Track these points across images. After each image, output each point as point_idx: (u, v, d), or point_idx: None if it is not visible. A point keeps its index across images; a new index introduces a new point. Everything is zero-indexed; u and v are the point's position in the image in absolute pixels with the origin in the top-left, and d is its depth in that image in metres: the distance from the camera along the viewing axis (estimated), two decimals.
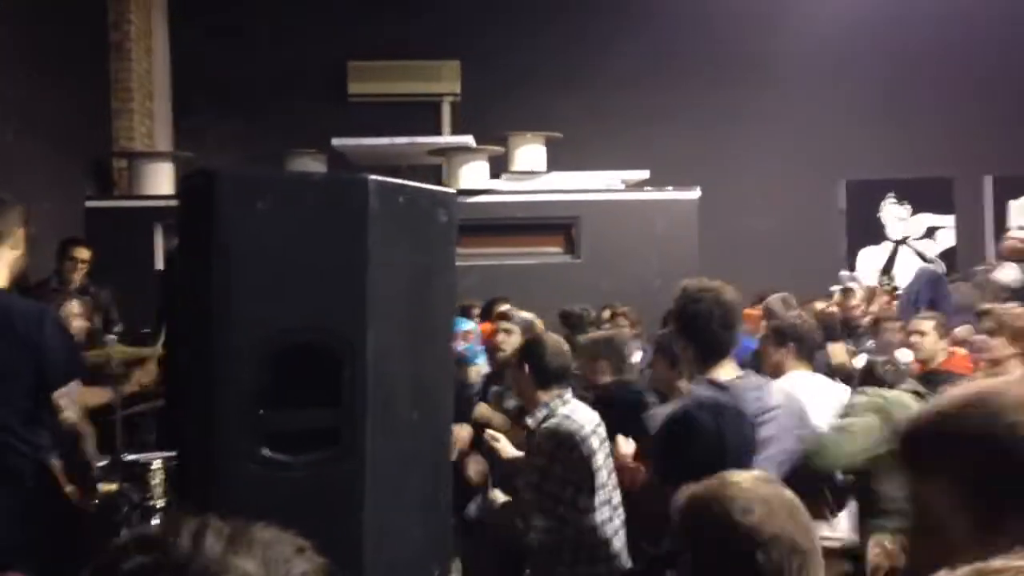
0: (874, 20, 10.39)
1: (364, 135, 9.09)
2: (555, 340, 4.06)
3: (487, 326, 6.24)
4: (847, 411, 3.69)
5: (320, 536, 1.01)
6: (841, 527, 3.67)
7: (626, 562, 3.81)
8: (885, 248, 10.89)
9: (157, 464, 4.38)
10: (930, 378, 4.96)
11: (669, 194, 8.95)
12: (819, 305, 7.37)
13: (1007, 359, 4.44)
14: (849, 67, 10.47)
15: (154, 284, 7.89)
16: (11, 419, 3.32)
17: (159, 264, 8.15)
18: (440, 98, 10.50)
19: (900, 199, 10.91)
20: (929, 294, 6.54)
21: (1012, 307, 4.77)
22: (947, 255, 10.67)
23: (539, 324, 5.94)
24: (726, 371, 3.18)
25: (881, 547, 3.38)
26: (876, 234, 10.92)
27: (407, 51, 10.22)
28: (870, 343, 6.45)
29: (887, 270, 10.22)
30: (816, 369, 4.52)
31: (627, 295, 7.41)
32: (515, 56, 10.16)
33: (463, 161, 8.89)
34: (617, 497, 3.88)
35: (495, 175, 9.07)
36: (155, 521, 4.24)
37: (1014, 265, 6.59)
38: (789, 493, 1.87)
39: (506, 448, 4.24)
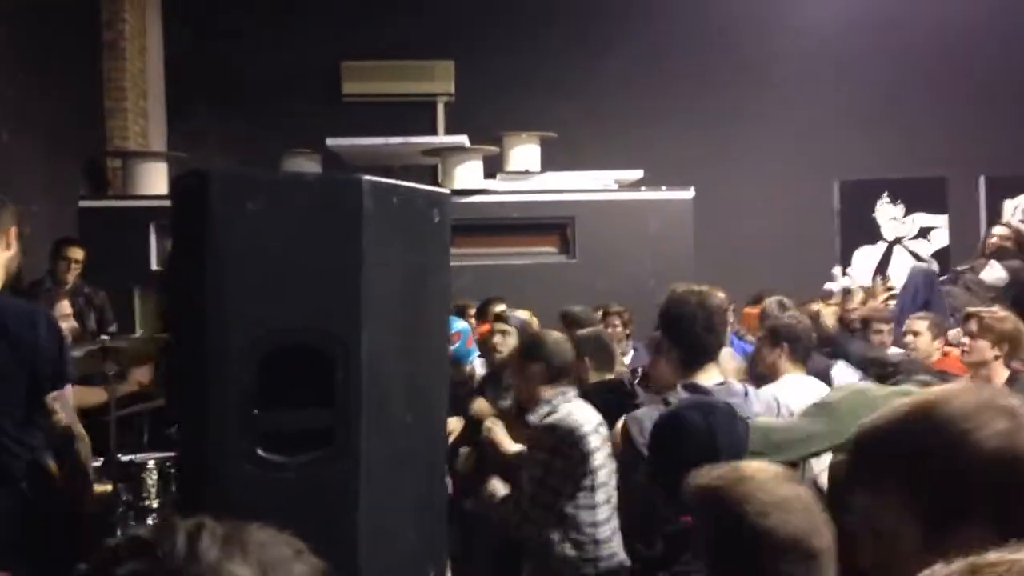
0: (868, 22, 10.41)
1: (359, 135, 9.08)
2: (560, 337, 4.11)
3: (486, 327, 6.25)
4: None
5: (314, 537, 1.01)
6: None
7: (625, 561, 3.82)
8: (880, 248, 10.90)
9: (152, 464, 4.38)
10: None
11: (663, 194, 8.96)
12: (815, 307, 7.37)
13: (990, 361, 4.47)
14: (843, 69, 10.48)
15: (149, 284, 7.90)
16: (4, 420, 3.31)
17: (153, 264, 8.14)
18: (434, 98, 10.49)
19: (893, 199, 10.92)
20: (926, 294, 6.55)
21: (995, 310, 4.79)
22: (941, 255, 10.68)
23: (535, 323, 5.95)
24: (709, 375, 3.21)
25: None
26: (871, 234, 10.93)
27: (401, 51, 10.21)
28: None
29: (881, 270, 10.22)
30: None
31: (622, 295, 7.41)
32: (509, 56, 10.15)
33: (458, 161, 8.89)
34: (616, 497, 3.89)
35: (490, 175, 9.07)
36: (150, 521, 4.24)
37: (996, 264, 6.60)
38: (805, 491, 1.86)
39: (505, 439, 4.27)
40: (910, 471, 1.42)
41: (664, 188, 8.99)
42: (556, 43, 10.28)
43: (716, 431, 2.46)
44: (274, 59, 9.92)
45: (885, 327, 6.28)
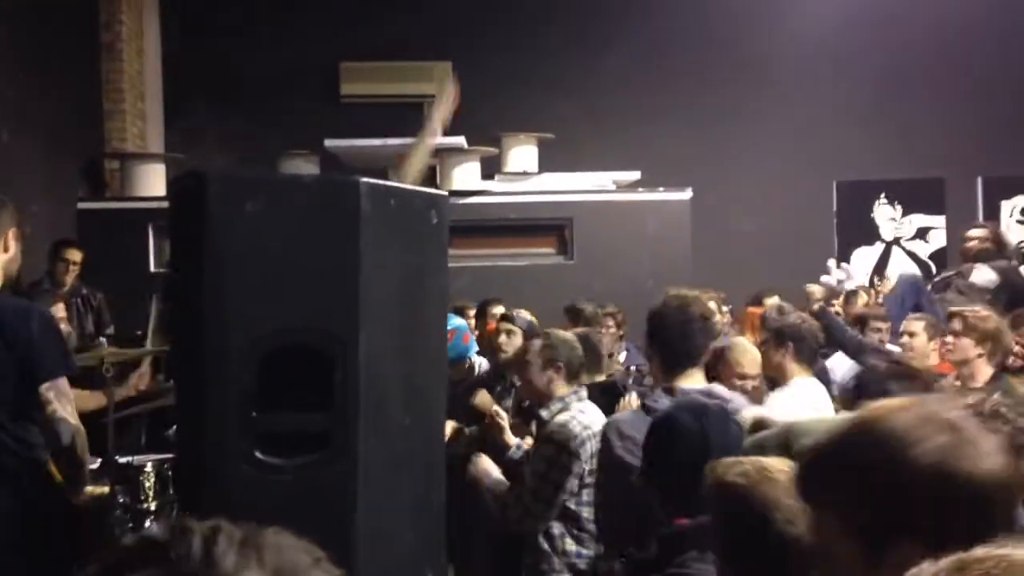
0: (865, 22, 10.41)
1: (357, 136, 9.08)
2: (573, 337, 4.17)
3: (491, 326, 6.27)
4: None
5: (312, 539, 1.01)
6: None
7: None
8: (878, 249, 10.92)
9: (149, 467, 4.38)
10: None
11: (661, 195, 8.96)
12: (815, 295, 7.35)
13: (973, 359, 4.49)
14: (841, 69, 10.48)
15: (147, 285, 7.88)
16: (2, 418, 3.31)
17: (152, 266, 8.13)
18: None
19: (891, 200, 10.93)
20: (914, 299, 6.56)
21: (978, 308, 4.81)
22: (938, 256, 10.70)
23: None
24: (692, 380, 3.24)
25: None
26: (870, 235, 10.94)
27: (399, 52, 10.21)
28: None
29: (879, 271, 10.23)
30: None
31: (619, 296, 7.41)
32: (507, 57, 10.15)
33: (455, 162, 8.89)
34: None
35: (487, 176, 9.07)
36: (148, 524, 4.23)
37: (983, 266, 6.60)
38: None
39: (507, 431, 4.30)
40: (850, 486, 1.42)
41: (662, 189, 9.00)
42: (554, 45, 10.28)
43: (708, 433, 2.46)
44: (272, 61, 9.92)
45: (883, 325, 6.30)
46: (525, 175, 9.12)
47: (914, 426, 1.40)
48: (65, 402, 3.40)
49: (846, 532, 1.41)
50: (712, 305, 4.42)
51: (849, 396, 4.11)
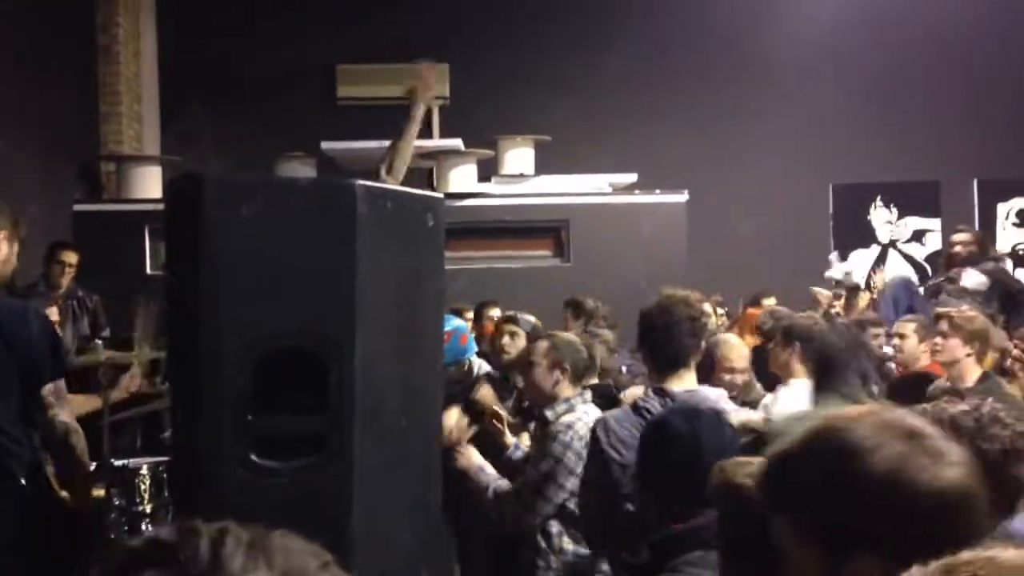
0: (862, 24, 10.42)
1: (353, 138, 9.07)
2: (577, 339, 4.18)
3: (490, 327, 6.27)
4: None
5: (308, 542, 1.01)
6: None
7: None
8: (874, 252, 10.93)
9: (145, 470, 4.37)
10: (910, 380, 5.00)
11: (657, 197, 8.96)
12: (820, 297, 7.36)
13: (962, 359, 4.50)
14: (837, 71, 10.50)
15: (143, 288, 7.87)
16: (1, 419, 3.31)
17: (148, 268, 8.12)
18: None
19: (887, 203, 10.95)
20: (908, 301, 6.58)
21: (964, 309, 4.82)
22: (934, 258, 10.71)
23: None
24: (682, 381, 3.24)
25: None
26: (866, 237, 10.96)
27: (396, 54, 10.21)
28: None
29: (876, 272, 10.25)
30: None
31: (615, 298, 7.41)
32: (503, 59, 10.16)
33: (452, 164, 8.88)
34: None
35: (484, 178, 9.07)
36: (143, 527, 4.23)
37: (972, 270, 6.62)
38: None
39: (507, 432, 4.31)
40: (808, 494, 1.42)
41: (658, 191, 9.00)
42: (550, 47, 10.29)
43: (701, 435, 2.46)
44: (268, 64, 9.92)
45: (880, 330, 6.30)
46: (521, 177, 9.12)
47: (872, 433, 1.39)
48: (64, 404, 3.41)
49: (805, 540, 1.40)
50: (707, 307, 4.44)
51: None
